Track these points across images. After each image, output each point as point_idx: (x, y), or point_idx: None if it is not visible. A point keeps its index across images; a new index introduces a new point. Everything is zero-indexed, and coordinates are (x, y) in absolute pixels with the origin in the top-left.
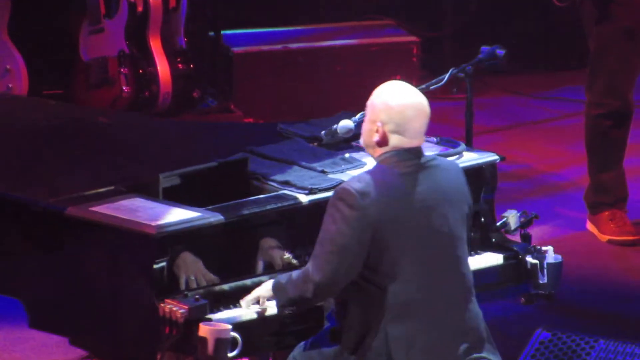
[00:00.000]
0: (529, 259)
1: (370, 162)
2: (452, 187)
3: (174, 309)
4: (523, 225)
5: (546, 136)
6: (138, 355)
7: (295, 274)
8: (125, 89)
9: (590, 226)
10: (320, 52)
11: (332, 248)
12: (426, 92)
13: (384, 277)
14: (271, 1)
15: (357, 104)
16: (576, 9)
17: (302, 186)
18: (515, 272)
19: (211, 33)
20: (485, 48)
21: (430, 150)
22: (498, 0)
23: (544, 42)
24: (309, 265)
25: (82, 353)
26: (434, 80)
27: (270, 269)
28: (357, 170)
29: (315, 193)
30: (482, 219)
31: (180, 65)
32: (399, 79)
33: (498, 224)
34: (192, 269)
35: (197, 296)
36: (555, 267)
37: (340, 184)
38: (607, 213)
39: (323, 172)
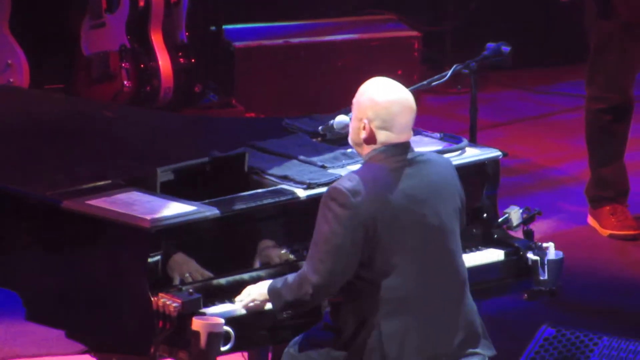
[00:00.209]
0: (530, 255)
1: None
2: (443, 181)
3: (168, 302)
4: (525, 222)
5: (547, 131)
6: (133, 348)
7: (290, 277)
8: (126, 83)
9: (591, 221)
10: (321, 46)
11: (327, 248)
12: (428, 88)
13: (377, 274)
14: None
15: None
16: (577, 4)
17: (300, 181)
18: (516, 268)
19: (212, 27)
20: (490, 45)
21: (433, 146)
22: None
23: (544, 36)
24: (305, 268)
25: (82, 347)
26: (436, 77)
27: (268, 265)
28: (358, 165)
29: (313, 188)
30: (485, 215)
31: (181, 59)
32: (400, 74)
33: (500, 220)
34: (185, 268)
35: (190, 290)
36: (556, 264)
37: (338, 179)
38: (608, 207)
39: (323, 167)
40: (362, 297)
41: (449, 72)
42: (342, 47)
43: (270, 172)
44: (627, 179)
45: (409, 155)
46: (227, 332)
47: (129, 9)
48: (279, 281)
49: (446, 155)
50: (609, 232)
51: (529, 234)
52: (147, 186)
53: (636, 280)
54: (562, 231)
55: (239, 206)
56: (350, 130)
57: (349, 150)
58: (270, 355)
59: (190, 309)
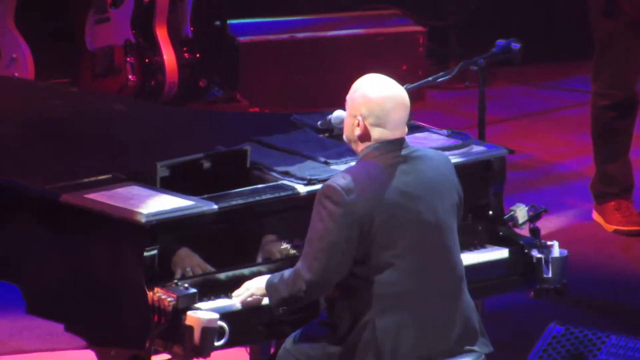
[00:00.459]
0: (534, 253)
1: None
2: (439, 176)
3: (163, 297)
4: (531, 219)
5: (552, 126)
6: (129, 342)
7: (286, 273)
8: (131, 78)
9: (596, 216)
10: (326, 41)
11: (321, 245)
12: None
13: (372, 270)
14: None
15: None
16: (583, 0)
17: (301, 176)
18: (520, 266)
19: (217, 22)
20: (500, 42)
21: (440, 143)
22: None
23: (550, 32)
24: (299, 264)
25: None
26: (442, 73)
27: (269, 261)
28: None
29: (314, 184)
30: (490, 212)
31: (186, 54)
32: (405, 69)
33: (505, 217)
34: (188, 262)
35: (186, 285)
36: (560, 262)
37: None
38: (613, 203)
39: (326, 163)
40: (357, 294)
41: (456, 69)
42: (347, 42)
43: (272, 167)
44: (632, 175)
45: (404, 152)
46: (221, 327)
47: (133, 4)
48: (276, 276)
49: (452, 152)
50: (613, 227)
51: (535, 232)
52: (148, 180)
53: None
54: (567, 227)
55: (237, 201)
56: (345, 127)
57: None
58: (272, 349)
59: (185, 304)
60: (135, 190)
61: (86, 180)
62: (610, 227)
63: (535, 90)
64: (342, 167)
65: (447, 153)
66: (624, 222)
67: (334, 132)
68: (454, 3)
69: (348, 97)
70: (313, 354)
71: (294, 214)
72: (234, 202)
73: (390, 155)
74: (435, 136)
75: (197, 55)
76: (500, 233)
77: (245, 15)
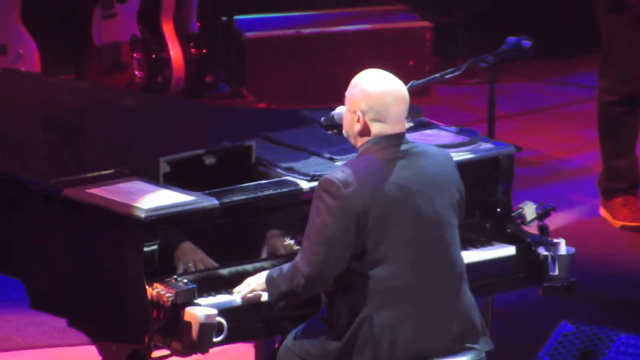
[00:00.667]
0: (541, 250)
1: None
2: (439, 172)
3: (162, 292)
4: (540, 217)
5: (559, 122)
6: (129, 337)
7: (285, 267)
8: (137, 73)
9: (603, 212)
10: (333, 37)
11: (319, 239)
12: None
13: (370, 265)
14: None
15: None
16: None
17: (304, 172)
18: (527, 263)
19: (224, 18)
20: (511, 39)
21: (448, 140)
22: None
23: (557, 27)
24: (297, 258)
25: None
26: (450, 69)
27: (272, 256)
28: None
29: (316, 180)
30: (498, 210)
31: (192, 50)
32: (412, 65)
33: (513, 214)
34: (191, 257)
35: (185, 280)
36: (567, 260)
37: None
38: (620, 199)
39: (331, 159)
40: (355, 289)
41: (465, 65)
42: (354, 38)
43: (276, 163)
44: (639, 171)
45: (403, 147)
46: (220, 323)
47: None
48: (276, 271)
49: (459, 149)
50: (621, 223)
51: (543, 230)
52: (151, 176)
53: None
54: (574, 222)
55: (239, 197)
56: (344, 122)
57: None
58: (277, 345)
59: (184, 299)
60: (138, 185)
61: (89, 175)
62: (618, 223)
63: (542, 85)
64: None
65: (454, 150)
66: (631, 218)
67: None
68: None
69: (347, 92)
70: (313, 350)
71: (298, 209)
72: (235, 198)
73: (390, 150)
74: (444, 133)
75: (204, 50)
76: (508, 230)
77: (252, 10)
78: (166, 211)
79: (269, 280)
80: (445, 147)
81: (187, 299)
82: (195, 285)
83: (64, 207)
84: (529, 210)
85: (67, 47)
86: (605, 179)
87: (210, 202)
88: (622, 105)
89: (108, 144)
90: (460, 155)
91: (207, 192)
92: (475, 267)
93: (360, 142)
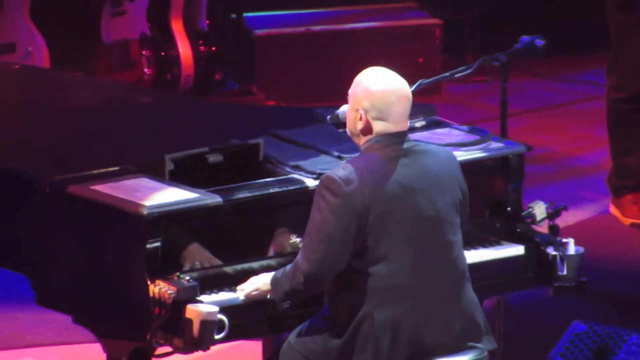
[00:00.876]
0: (550, 250)
1: None
2: (442, 171)
3: (163, 289)
4: (550, 216)
5: (569, 119)
6: (132, 335)
7: (289, 266)
8: (146, 71)
9: (613, 209)
10: (342, 34)
11: (319, 237)
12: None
13: (370, 263)
14: None
15: None
16: None
17: (311, 170)
18: (536, 263)
19: (233, 15)
20: (525, 38)
21: (458, 138)
22: None
23: (567, 24)
24: (298, 256)
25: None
26: (461, 68)
27: (279, 255)
28: None
29: None
30: (509, 209)
31: (202, 47)
32: (421, 62)
33: (523, 214)
34: (198, 257)
35: (187, 278)
36: (575, 260)
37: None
38: (630, 196)
39: (339, 157)
40: (355, 287)
41: (476, 64)
42: (363, 35)
43: (284, 161)
44: None
45: (406, 145)
46: (221, 321)
47: None
48: (280, 271)
49: (469, 148)
50: (630, 221)
51: (553, 229)
52: (157, 173)
53: None
54: (584, 220)
55: (243, 194)
56: (347, 120)
57: None
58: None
59: (186, 296)
60: (143, 182)
61: (95, 172)
62: (628, 221)
63: (551, 83)
64: None
65: (464, 149)
66: None
67: None
68: None
69: (350, 90)
70: (315, 347)
71: (304, 207)
72: (239, 196)
73: (392, 149)
74: (455, 132)
75: (213, 48)
76: (518, 230)
77: (262, 8)
78: (169, 208)
79: (273, 280)
80: (455, 146)
81: (189, 296)
82: (197, 283)
83: (69, 203)
84: (539, 209)
85: (76, 44)
86: (615, 177)
87: (214, 199)
88: (631, 102)
89: (117, 141)
90: (470, 154)
91: (211, 189)
92: (484, 267)
93: (363, 140)
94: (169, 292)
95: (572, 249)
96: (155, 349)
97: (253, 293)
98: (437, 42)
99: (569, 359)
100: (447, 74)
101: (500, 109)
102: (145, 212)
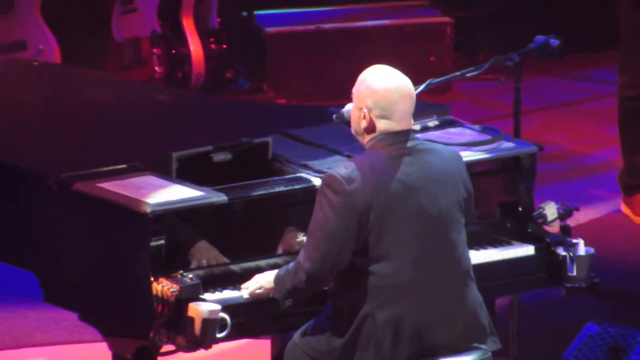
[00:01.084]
0: (560, 251)
1: None
2: (445, 170)
3: (166, 287)
4: (562, 217)
5: (580, 117)
6: (136, 333)
7: (291, 264)
8: (157, 69)
9: (624, 208)
10: (353, 32)
11: (320, 235)
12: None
13: (372, 261)
14: None
15: None
16: None
17: (318, 169)
18: (546, 263)
19: (244, 13)
20: (539, 38)
21: (470, 138)
22: None
23: (578, 23)
24: (300, 255)
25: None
26: (472, 68)
27: (287, 253)
28: None
29: None
30: (520, 209)
31: (213, 45)
32: (433, 60)
33: (534, 214)
34: (205, 255)
35: (190, 276)
36: (585, 260)
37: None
38: None
39: (349, 156)
40: (357, 286)
41: (488, 64)
42: (374, 33)
43: (292, 160)
44: None
45: (409, 144)
46: (223, 319)
47: None
48: (283, 269)
49: (480, 148)
50: None
51: (565, 230)
52: (164, 171)
53: None
54: (595, 219)
55: (249, 193)
56: (351, 119)
57: None
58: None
59: (188, 295)
60: (149, 180)
61: (104, 169)
62: (639, 219)
63: (562, 81)
64: None
65: (475, 148)
66: None
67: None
68: None
69: (354, 89)
70: (318, 346)
71: (312, 206)
72: (245, 194)
73: (396, 147)
74: (467, 131)
75: (224, 46)
76: (529, 230)
77: (272, 6)
78: (173, 206)
79: (277, 278)
80: (466, 146)
81: (192, 294)
82: (200, 281)
83: (75, 200)
84: (550, 210)
85: (87, 42)
86: (626, 175)
87: (219, 197)
88: None
89: (128, 138)
90: (481, 154)
91: (217, 187)
92: (493, 266)
93: (367, 138)
94: (171, 290)
95: (582, 249)
96: (159, 347)
97: (257, 291)
98: (448, 40)
99: None
100: (457, 73)
101: (513, 109)
102: (148, 210)
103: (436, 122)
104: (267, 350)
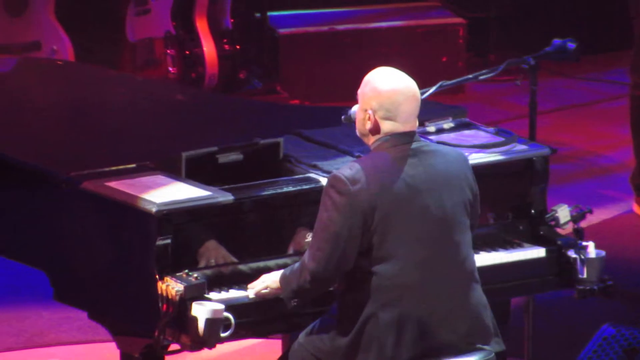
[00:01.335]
0: (570, 253)
1: None
2: (450, 172)
3: (171, 286)
4: (575, 220)
5: (592, 118)
6: (142, 332)
7: (297, 264)
8: (171, 70)
9: (637, 208)
10: (366, 33)
11: (325, 236)
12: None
13: (376, 263)
14: None
15: None
16: None
17: (327, 170)
18: (557, 266)
19: (257, 14)
20: (557, 41)
21: (484, 140)
22: None
23: (590, 23)
24: (305, 255)
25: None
26: (484, 71)
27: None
28: None
29: None
30: (532, 211)
31: (226, 46)
32: (445, 61)
33: (547, 216)
34: (214, 254)
35: (195, 275)
36: (595, 263)
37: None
38: None
39: (359, 157)
40: (361, 286)
41: (502, 66)
42: (387, 34)
43: (302, 160)
44: None
45: (414, 145)
46: (227, 319)
47: None
48: (289, 269)
49: (493, 150)
50: None
51: (578, 233)
52: (175, 170)
53: None
54: (607, 219)
55: (256, 193)
56: (356, 121)
57: None
58: None
59: (192, 294)
60: (158, 179)
61: (114, 168)
62: None
63: (575, 82)
64: None
65: (488, 150)
66: None
67: None
68: None
69: (359, 91)
70: (322, 346)
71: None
72: (251, 194)
73: (400, 148)
74: (482, 133)
75: (237, 47)
76: (541, 232)
77: (285, 7)
78: (179, 205)
79: (282, 278)
80: (479, 148)
81: (196, 293)
82: (204, 281)
83: (84, 199)
84: (563, 212)
85: (100, 43)
86: (639, 176)
87: (225, 197)
88: None
89: (142, 138)
90: (493, 156)
91: (225, 187)
92: (503, 268)
93: (372, 140)
94: (175, 289)
95: (592, 252)
96: (165, 346)
97: (263, 291)
98: (460, 41)
99: None
100: (470, 75)
101: (529, 112)
102: (154, 209)
103: (451, 124)
104: (279, 350)
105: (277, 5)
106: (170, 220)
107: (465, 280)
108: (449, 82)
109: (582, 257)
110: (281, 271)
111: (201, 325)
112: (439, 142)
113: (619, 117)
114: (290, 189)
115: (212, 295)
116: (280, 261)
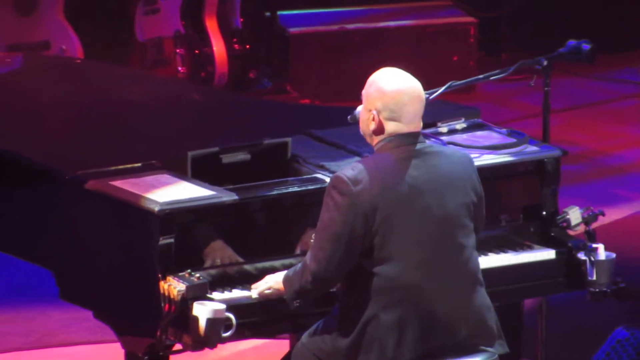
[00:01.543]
0: (580, 255)
1: None
2: (454, 173)
3: (173, 286)
4: (587, 222)
5: (604, 118)
6: (143, 331)
7: (299, 265)
8: (180, 69)
9: None
10: (376, 33)
11: (326, 236)
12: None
13: (377, 263)
14: None
15: None
16: None
17: (334, 170)
18: (567, 268)
19: (267, 13)
20: (571, 42)
21: (495, 141)
22: None
23: (602, 23)
24: (307, 255)
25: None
26: (495, 71)
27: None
28: None
29: None
30: (544, 213)
31: (236, 45)
32: (456, 60)
33: (558, 218)
34: (219, 254)
35: (198, 275)
36: (605, 265)
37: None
38: None
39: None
40: (363, 287)
41: (513, 67)
42: (398, 34)
43: (310, 160)
44: None
45: (418, 146)
46: (228, 319)
47: None
48: (291, 270)
49: (504, 151)
50: None
51: (589, 235)
52: (181, 169)
53: None
54: (619, 219)
55: (260, 193)
56: (360, 121)
57: None
58: None
59: (194, 294)
60: (163, 178)
61: (120, 167)
62: None
63: (586, 81)
64: None
65: (499, 152)
66: None
67: None
68: None
69: (364, 91)
70: (324, 347)
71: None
72: (256, 194)
73: (404, 149)
74: (495, 135)
75: (247, 46)
76: (552, 234)
77: (295, 6)
78: (181, 205)
79: (285, 279)
80: (490, 149)
81: (198, 293)
82: (206, 280)
83: (88, 198)
84: (574, 214)
85: (109, 42)
86: None
87: (230, 197)
88: None
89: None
90: (504, 157)
91: (230, 187)
92: (513, 270)
93: (375, 140)
94: (177, 289)
95: (602, 254)
96: (168, 346)
97: (266, 292)
98: (472, 40)
99: None
100: (481, 76)
101: (542, 113)
102: (157, 208)
103: (464, 125)
104: (286, 350)
105: (287, 5)
106: (173, 220)
107: (468, 282)
108: (458, 83)
109: (592, 259)
110: (284, 272)
111: (202, 325)
112: (449, 143)
113: (630, 116)
114: (296, 189)
115: (215, 295)
116: (287, 261)
